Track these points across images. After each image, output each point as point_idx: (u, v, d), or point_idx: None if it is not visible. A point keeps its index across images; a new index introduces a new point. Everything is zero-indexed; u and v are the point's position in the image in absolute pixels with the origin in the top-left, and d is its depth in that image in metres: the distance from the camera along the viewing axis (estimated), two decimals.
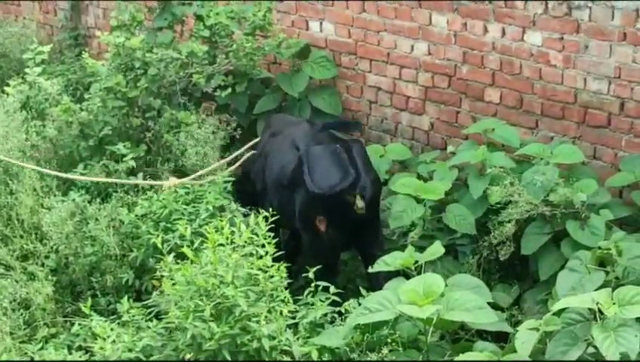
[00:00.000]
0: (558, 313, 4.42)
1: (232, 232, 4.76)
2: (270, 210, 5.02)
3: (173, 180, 6.04)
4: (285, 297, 4.77)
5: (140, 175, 6.38)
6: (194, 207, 5.94)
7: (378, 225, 5.95)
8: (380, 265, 5.13)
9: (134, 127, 6.83)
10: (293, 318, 4.85)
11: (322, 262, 5.24)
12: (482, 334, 5.00)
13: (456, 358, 4.43)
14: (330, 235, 5.66)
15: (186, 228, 5.01)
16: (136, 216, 5.90)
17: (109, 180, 6.18)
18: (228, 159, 6.50)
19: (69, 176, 6.23)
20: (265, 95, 7.38)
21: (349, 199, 5.56)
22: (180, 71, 6.88)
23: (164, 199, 5.90)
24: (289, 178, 5.86)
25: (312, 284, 5.01)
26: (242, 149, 6.68)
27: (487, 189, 5.80)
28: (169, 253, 4.92)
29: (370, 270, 5.25)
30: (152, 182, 6.16)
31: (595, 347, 4.18)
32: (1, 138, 6.37)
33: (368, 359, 4.53)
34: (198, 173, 6.15)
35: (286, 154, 6.02)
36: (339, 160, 5.71)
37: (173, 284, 4.69)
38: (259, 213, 4.94)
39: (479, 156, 5.99)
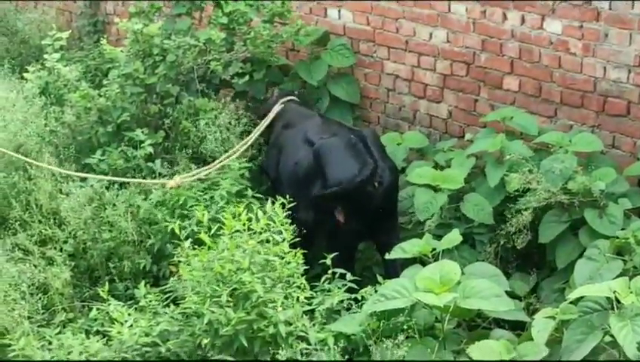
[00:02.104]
0: (575, 301, 4.42)
1: (249, 219, 4.77)
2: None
3: (177, 179, 6.00)
4: (302, 283, 4.78)
5: (158, 161, 6.41)
6: (206, 193, 5.96)
7: (396, 215, 5.93)
8: (397, 252, 5.13)
9: (152, 114, 6.85)
10: (310, 305, 4.85)
11: (341, 252, 5.24)
12: (500, 322, 4.99)
13: (471, 346, 4.42)
14: (349, 226, 5.64)
15: (204, 214, 5.02)
16: (151, 203, 5.92)
17: (107, 178, 6.11)
18: (227, 155, 6.33)
19: (68, 172, 6.17)
20: (283, 82, 7.38)
21: (368, 189, 5.54)
22: (198, 58, 6.88)
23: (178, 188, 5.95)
24: (305, 173, 5.86)
25: (329, 271, 5.02)
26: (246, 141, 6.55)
27: (506, 176, 5.78)
28: (186, 239, 4.94)
29: (387, 256, 5.25)
30: (155, 181, 6.11)
31: (612, 336, 4.17)
32: (21, 123, 6.41)
33: (384, 346, 4.52)
34: (203, 170, 6.11)
35: (299, 150, 6.02)
36: (355, 150, 5.70)
37: (191, 270, 4.71)
38: (275, 200, 4.95)
39: (497, 144, 5.97)
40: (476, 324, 5.03)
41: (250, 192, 6.03)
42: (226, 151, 6.48)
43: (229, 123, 6.63)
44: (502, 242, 5.73)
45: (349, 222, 5.62)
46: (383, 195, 5.64)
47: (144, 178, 6.32)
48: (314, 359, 4.52)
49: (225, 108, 6.77)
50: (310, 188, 5.79)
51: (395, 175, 5.87)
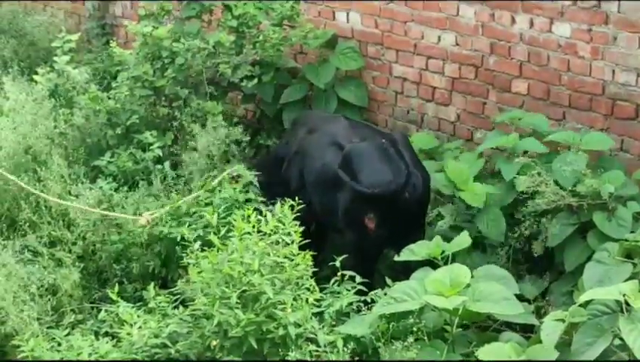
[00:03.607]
0: (585, 304, 4.41)
1: (259, 220, 4.77)
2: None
3: (147, 216, 5.78)
4: (311, 285, 4.78)
5: (167, 163, 6.42)
6: (208, 198, 5.94)
7: (424, 220, 5.83)
8: (407, 254, 5.12)
9: (161, 116, 6.88)
10: (319, 306, 4.86)
11: (364, 260, 5.17)
12: (511, 324, 4.99)
13: (480, 348, 4.42)
14: (378, 233, 5.51)
15: (213, 216, 5.03)
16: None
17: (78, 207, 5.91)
18: (191, 196, 6.00)
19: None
20: (291, 85, 7.39)
21: (402, 196, 5.45)
22: (207, 61, 6.90)
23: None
24: (332, 176, 5.69)
25: (339, 273, 5.02)
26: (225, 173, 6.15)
27: (515, 178, 5.77)
28: (195, 241, 4.94)
29: (396, 258, 5.22)
30: (127, 216, 5.89)
31: (622, 339, 4.16)
32: (30, 125, 6.42)
33: (393, 348, 4.53)
34: (172, 204, 5.90)
35: (326, 153, 5.86)
36: (387, 156, 5.60)
37: (200, 272, 4.71)
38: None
39: (510, 141, 5.94)
40: (488, 326, 5.03)
41: (254, 196, 5.99)
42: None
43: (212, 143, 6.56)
44: (513, 244, 5.74)
45: (379, 229, 5.49)
46: (416, 202, 5.55)
47: (151, 183, 6.31)
48: (323, 361, 4.53)
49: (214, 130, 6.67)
50: (338, 192, 5.66)
51: (428, 181, 5.75)
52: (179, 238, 5.44)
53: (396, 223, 5.52)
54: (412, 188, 5.48)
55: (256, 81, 7.03)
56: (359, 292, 4.99)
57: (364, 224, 5.52)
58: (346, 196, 5.61)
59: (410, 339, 4.54)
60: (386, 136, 5.88)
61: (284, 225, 4.80)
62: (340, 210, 5.67)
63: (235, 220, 4.79)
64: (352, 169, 5.57)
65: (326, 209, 5.73)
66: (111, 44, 7.17)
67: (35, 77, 7.03)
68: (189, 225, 5.54)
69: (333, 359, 4.54)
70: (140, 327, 4.68)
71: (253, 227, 4.74)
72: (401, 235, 5.56)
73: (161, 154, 6.45)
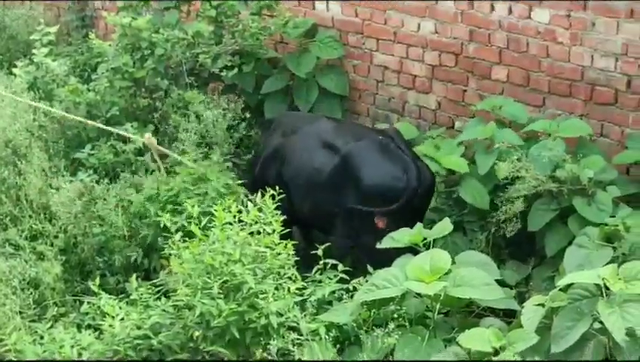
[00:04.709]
0: (565, 289, 4.43)
1: (240, 211, 4.78)
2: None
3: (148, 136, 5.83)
4: (293, 274, 4.79)
5: (148, 155, 6.40)
6: (199, 187, 5.92)
7: (426, 210, 5.80)
8: (388, 241, 5.13)
9: (141, 108, 6.86)
10: (301, 295, 4.87)
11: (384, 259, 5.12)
12: (495, 310, 5.00)
13: (461, 334, 4.44)
14: (387, 229, 5.38)
15: (194, 206, 5.03)
16: (144, 198, 5.90)
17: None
18: None
19: None
20: (272, 75, 7.38)
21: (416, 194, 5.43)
22: (187, 51, 6.89)
23: (171, 180, 5.92)
24: (329, 179, 5.62)
25: (321, 262, 5.03)
26: None
27: (495, 165, 5.79)
28: (177, 231, 4.94)
29: (378, 246, 5.22)
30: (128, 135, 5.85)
31: (601, 322, 4.19)
32: (10, 118, 6.40)
33: (375, 335, 4.54)
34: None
35: (316, 155, 5.76)
36: (392, 153, 5.55)
37: (181, 262, 4.71)
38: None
39: (488, 132, 5.97)
40: (472, 312, 5.05)
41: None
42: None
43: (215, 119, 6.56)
44: (493, 230, 5.75)
45: (391, 226, 5.40)
46: (425, 195, 5.57)
47: (134, 172, 6.30)
48: (305, 349, 4.54)
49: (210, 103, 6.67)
50: (337, 195, 5.58)
51: (433, 173, 5.74)
52: (162, 224, 5.43)
53: (405, 218, 5.43)
54: (421, 183, 5.48)
55: (236, 71, 7.02)
56: (341, 281, 5.00)
57: (374, 224, 5.47)
58: (354, 197, 5.53)
59: (392, 326, 4.55)
60: (379, 132, 5.83)
61: (265, 215, 4.80)
62: (346, 214, 5.57)
63: (216, 211, 4.79)
64: (357, 171, 5.51)
65: (320, 211, 5.68)
66: (90, 36, 7.14)
67: (14, 70, 7.00)
68: (174, 215, 5.54)
69: (316, 347, 4.55)
70: (122, 319, 4.67)
71: (234, 217, 4.74)
72: (406, 226, 5.44)
73: (142, 145, 6.43)
